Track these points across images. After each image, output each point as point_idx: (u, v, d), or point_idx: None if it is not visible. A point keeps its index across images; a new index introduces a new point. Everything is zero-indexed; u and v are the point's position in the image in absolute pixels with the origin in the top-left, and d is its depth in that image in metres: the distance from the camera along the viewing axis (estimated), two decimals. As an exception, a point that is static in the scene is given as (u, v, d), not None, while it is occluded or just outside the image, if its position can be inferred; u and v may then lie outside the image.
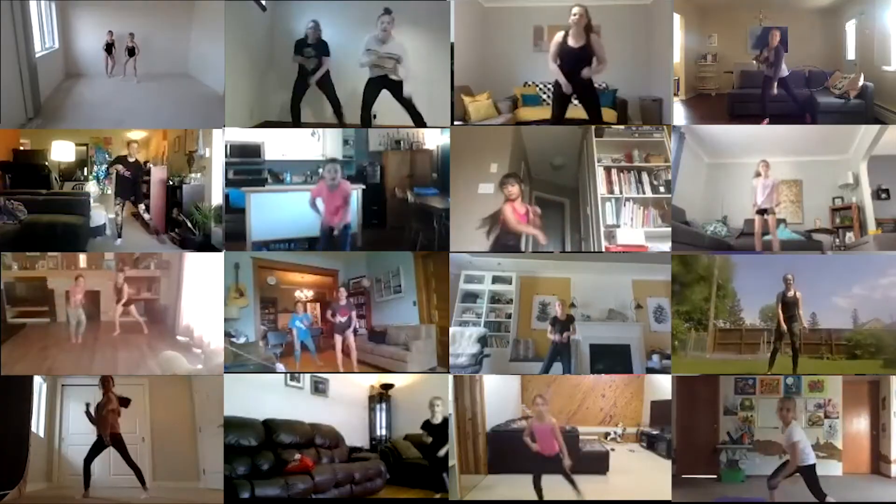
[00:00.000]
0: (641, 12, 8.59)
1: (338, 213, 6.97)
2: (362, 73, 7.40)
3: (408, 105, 7.32)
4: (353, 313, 7.51)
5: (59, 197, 7.49)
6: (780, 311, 6.91)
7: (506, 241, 6.43)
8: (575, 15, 6.57)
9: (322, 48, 7.48)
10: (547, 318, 8.11)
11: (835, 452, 7.32)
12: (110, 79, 8.20)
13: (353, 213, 7.98)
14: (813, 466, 5.74)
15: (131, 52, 8.17)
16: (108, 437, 6.57)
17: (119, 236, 7.50)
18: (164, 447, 7.28)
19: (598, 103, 6.92)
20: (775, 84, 7.41)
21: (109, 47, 8.16)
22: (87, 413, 6.65)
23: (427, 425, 7.21)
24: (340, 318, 7.36)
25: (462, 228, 6.62)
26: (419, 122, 7.37)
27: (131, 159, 7.54)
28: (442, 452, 6.79)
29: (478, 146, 7.34)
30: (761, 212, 7.18)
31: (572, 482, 5.85)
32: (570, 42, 6.64)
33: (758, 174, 7.22)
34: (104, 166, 8.00)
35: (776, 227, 7.29)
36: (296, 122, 7.71)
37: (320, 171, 8.53)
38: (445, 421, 6.79)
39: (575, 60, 6.65)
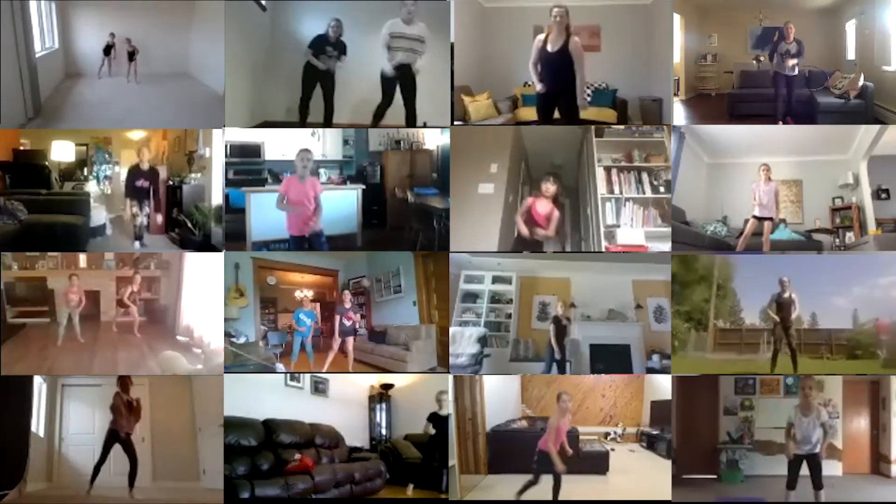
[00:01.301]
0: (641, 12, 8.60)
1: (307, 218, 6.42)
2: (364, 74, 7.41)
3: (410, 96, 7.26)
4: (358, 316, 7.53)
5: (59, 197, 7.49)
6: (775, 312, 6.91)
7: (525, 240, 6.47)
8: (555, 16, 6.37)
9: (342, 48, 7.40)
10: (547, 318, 8.10)
11: (835, 452, 7.32)
12: (112, 79, 8.21)
13: (353, 213, 8.02)
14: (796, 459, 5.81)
15: (131, 55, 8.16)
16: (123, 433, 6.57)
17: (139, 238, 7.30)
18: (164, 447, 7.27)
19: (576, 112, 6.70)
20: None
21: (109, 49, 8.15)
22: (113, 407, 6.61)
23: (434, 417, 7.18)
24: (346, 322, 7.37)
25: (462, 228, 6.62)
26: (413, 114, 7.33)
27: (144, 167, 7.29)
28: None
29: (478, 146, 7.34)
30: (759, 219, 7.15)
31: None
32: (549, 47, 6.42)
33: (758, 178, 7.18)
34: (108, 169, 7.91)
35: (774, 228, 7.28)
36: (303, 123, 7.62)
37: (321, 170, 8.56)
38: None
39: (554, 65, 6.44)
